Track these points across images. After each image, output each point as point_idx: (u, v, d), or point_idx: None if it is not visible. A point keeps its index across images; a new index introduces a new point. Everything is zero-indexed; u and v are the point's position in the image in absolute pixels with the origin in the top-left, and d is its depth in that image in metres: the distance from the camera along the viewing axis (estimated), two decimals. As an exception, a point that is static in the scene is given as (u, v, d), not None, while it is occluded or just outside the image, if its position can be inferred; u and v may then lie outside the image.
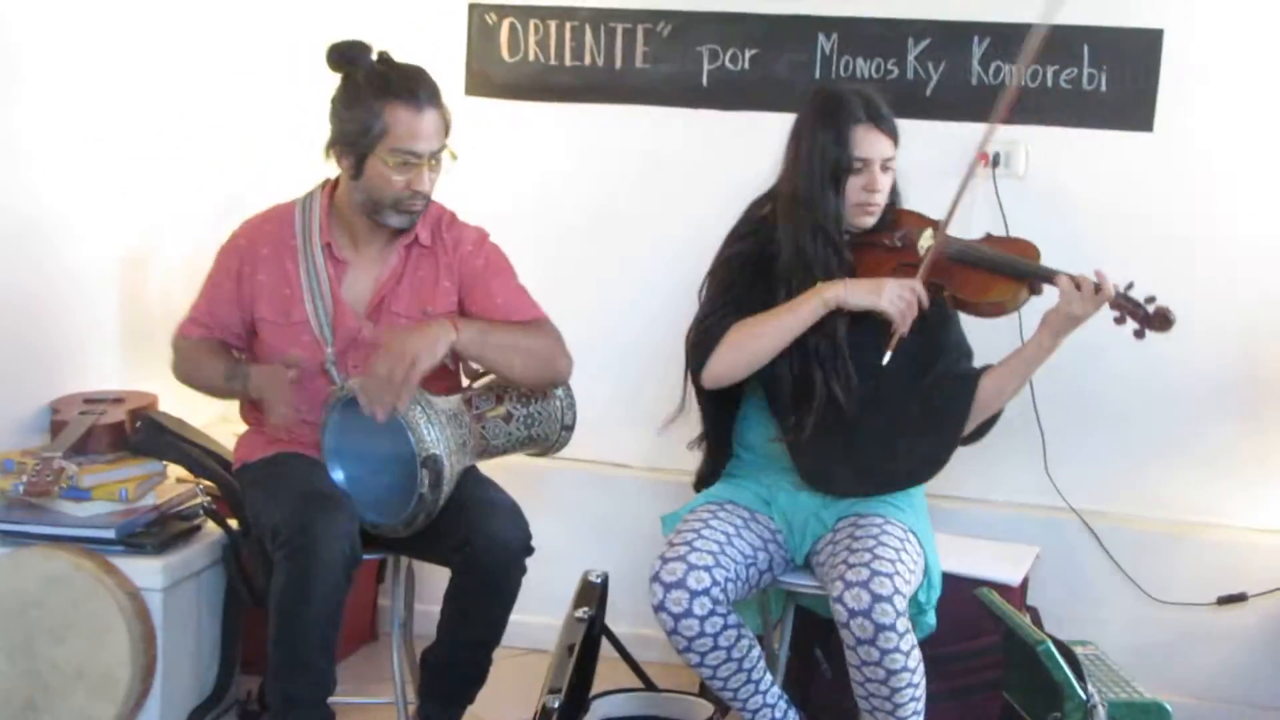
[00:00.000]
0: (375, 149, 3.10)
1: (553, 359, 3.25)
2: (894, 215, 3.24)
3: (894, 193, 3.26)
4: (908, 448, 3.14)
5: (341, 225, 3.26)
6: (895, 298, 3.05)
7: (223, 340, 3.33)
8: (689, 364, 3.24)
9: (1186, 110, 3.77)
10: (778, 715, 3.15)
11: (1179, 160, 3.79)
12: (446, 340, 3.06)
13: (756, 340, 3.13)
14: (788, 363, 3.13)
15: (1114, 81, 3.80)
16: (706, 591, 2.95)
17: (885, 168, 3.16)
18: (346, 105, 3.14)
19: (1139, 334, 3.04)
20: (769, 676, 3.14)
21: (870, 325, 3.11)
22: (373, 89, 3.10)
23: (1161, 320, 3.01)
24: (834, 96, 3.18)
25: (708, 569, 2.97)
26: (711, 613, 2.97)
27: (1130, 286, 3.05)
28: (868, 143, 3.13)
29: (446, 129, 3.17)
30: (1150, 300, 3.03)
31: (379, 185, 3.14)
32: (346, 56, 3.17)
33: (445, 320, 3.11)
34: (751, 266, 3.20)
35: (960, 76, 3.89)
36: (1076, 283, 3.03)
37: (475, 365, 3.34)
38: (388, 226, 3.21)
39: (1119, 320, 3.05)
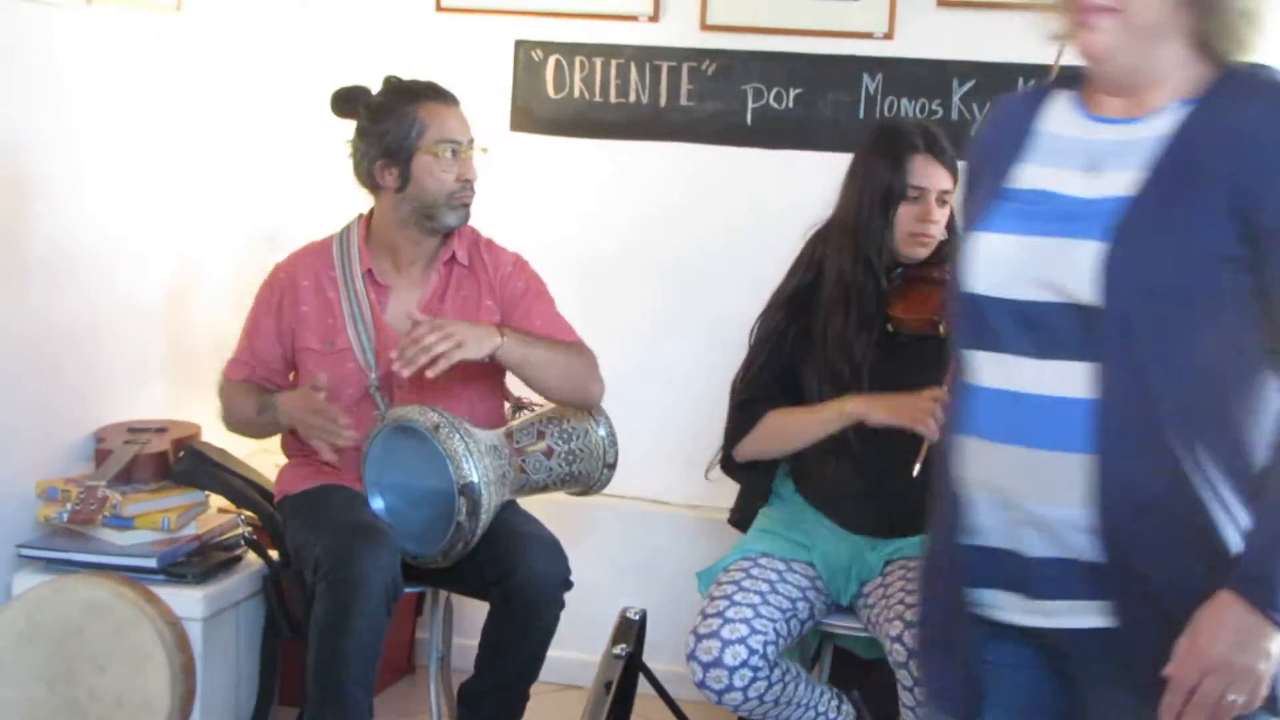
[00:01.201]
0: (419, 147, 3.18)
1: (587, 380, 3.28)
2: (950, 250, 3.21)
3: (952, 232, 3.22)
4: None
5: (381, 251, 3.29)
6: (915, 410, 2.96)
7: (258, 382, 3.35)
8: (726, 437, 3.24)
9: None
10: (830, 716, 3.15)
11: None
12: (492, 340, 3.09)
13: (782, 439, 3.18)
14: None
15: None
16: (745, 663, 2.94)
17: (942, 201, 3.14)
18: (376, 122, 3.21)
19: None
20: (817, 689, 3.13)
21: (903, 364, 3.09)
22: (399, 98, 3.22)
23: None
24: (894, 127, 3.21)
25: (743, 640, 2.95)
26: (753, 680, 2.96)
27: None
28: (925, 173, 3.11)
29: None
30: None
31: (430, 185, 3.20)
32: (349, 99, 3.28)
33: (491, 325, 3.16)
34: (799, 310, 3.19)
35: (1004, 117, 3.88)
36: None
37: (512, 391, 3.35)
38: (443, 230, 3.25)
39: None
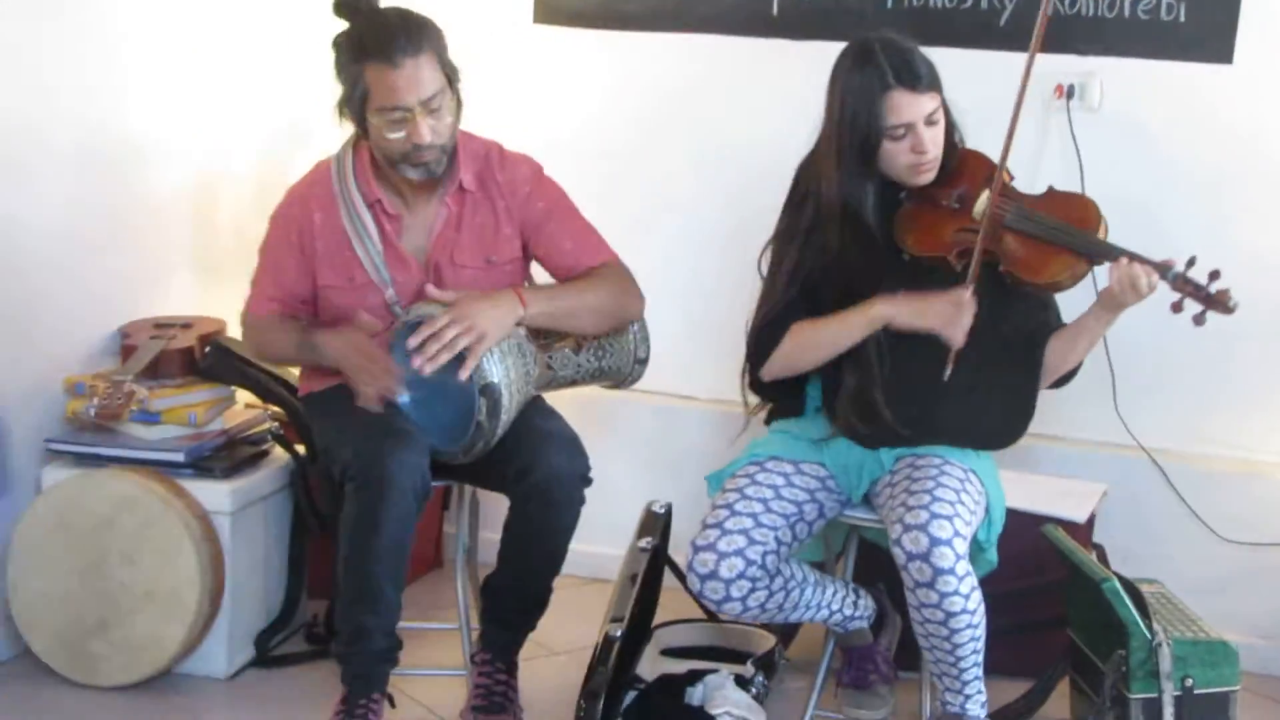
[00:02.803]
0: (366, 110, 3.08)
1: (622, 306, 3.26)
2: (959, 160, 3.10)
3: (953, 131, 3.10)
4: (990, 413, 3.08)
5: (386, 182, 3.21)
6: (941, 316, 2.94)
7: (291, 314, 3.30)
8: (748, 358, 3.19)
9: (1268, 41, 3.68)
10: (847, 613, 3.17)
11: (1259, 93, 3.71)
12: (514, 317, 3.08)
13: (810, 351, 3.10)
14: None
15: (1193, 12, 3.70)
16: (742, 574, 2.95)
17: (931, 122, 3.01)
18: (337, 71, 3.11)
19: (1198, 319, 2.88)
20: (830, 588, 3.14)
21: (935, 280, 3.05)
22: (350, 52, 3.07)
23: (1222, 305, 2.84)
24: (862, 55, 3.03)
25: (739, 552, 2.95)
26: (751, 590, 2.97)
27: (1192, 264, 2.88)
28: (905, 107, 2.98)
29: (442, 74, 3.08)
30: (1213, 278, 2.85)
31: (382, 144, 3.10)
32: (349, 5, 3.12)
33: (513, 295, 3.11)
34: (802, 238, 3.13)
35: (1035, 5, 3.78)
36: (1133, 268, 2.87)
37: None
38: (413, 181, 3.17)
39: (1176, 306, 2.89)
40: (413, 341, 3.02)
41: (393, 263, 3.21)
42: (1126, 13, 3.74)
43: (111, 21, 3.55)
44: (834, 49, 3.82)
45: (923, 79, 3.00)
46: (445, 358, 2.99)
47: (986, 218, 2.98)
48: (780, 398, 3.28)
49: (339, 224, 3.21)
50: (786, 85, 3.97)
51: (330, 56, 3.13)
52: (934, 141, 3.03)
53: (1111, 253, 2.94)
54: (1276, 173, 3.72)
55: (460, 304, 3.04)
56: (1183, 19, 3.72)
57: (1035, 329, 3.10)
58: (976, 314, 2.97)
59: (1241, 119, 3.73)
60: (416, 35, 3.05)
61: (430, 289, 3.12)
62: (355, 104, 3.08)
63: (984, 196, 3.01)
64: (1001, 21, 3.82)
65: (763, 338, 3.14)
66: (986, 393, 3.06)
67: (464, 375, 3.00)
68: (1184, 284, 2.88)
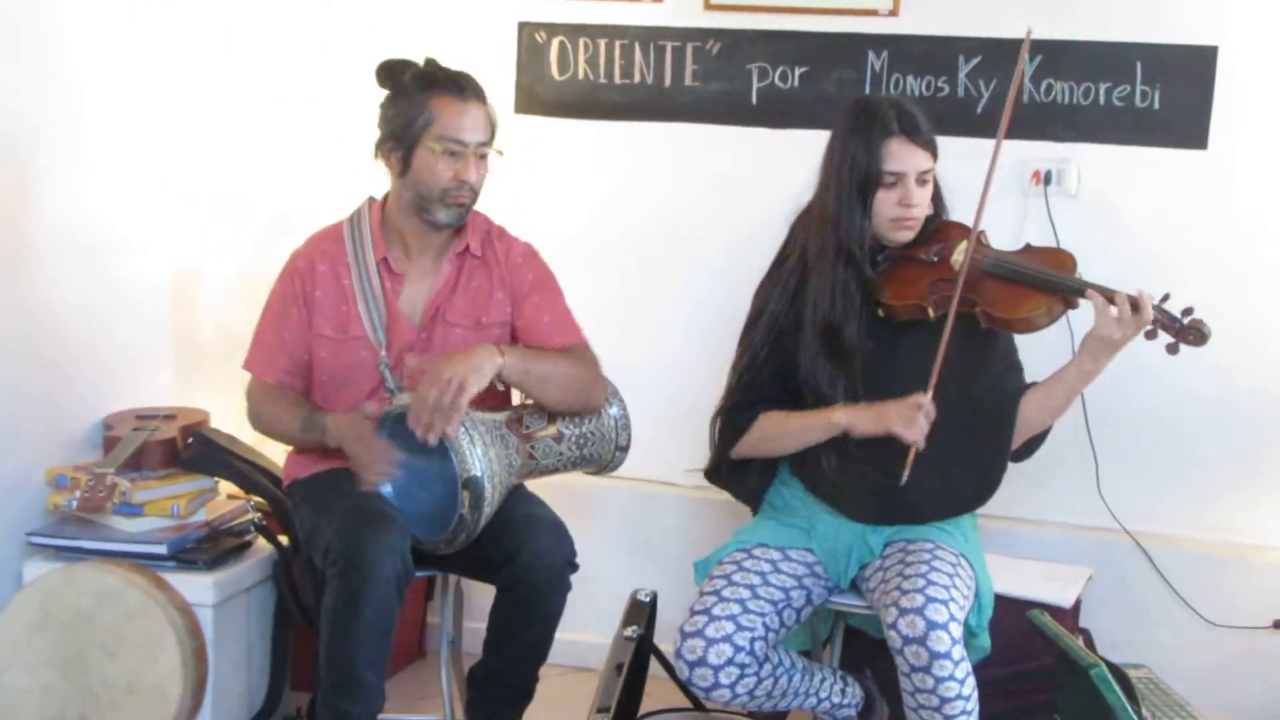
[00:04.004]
0: (422, 139, 3.14)
1: (589, 388, 3.27)
2: (936, 227, 3.17)
3: (939, 203, 3.21)
4: (959, 475, 3.11)
5: (394, 238, 3.28)
6: (900, 418, 2.97)
7: (294, 387, 3.32)
8: (717, 441, 3.24)
9: (1241, 128, 3.73)
10: (835, 700, 3.15)
11: (1234, 178, 3.76)
12: (493, 366, 3.09)
13: (775, 443, 3.18)
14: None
15: (1167, 99, 3.76)
16: (730, 661, 2.94)
17: (922, 181, 3.08)
18: (393, 103, 3.19)
19: (1172, 348, 2.96)
20: (818, 676, 3.12)
21: (904, 352, 3.07)
22: (418, 84, 3.17)
23: (1196, 335, 2.92)
24: (868, 108, 3.10)
25: (728, 638, 2.94)
26: (740, 677, 2.96)
27: (1166, 299, 2.96)
28: (901, 156, 3.05)
29: (493, 129, 3.22)
30: (1187, 312, 2.94)
31: (426, 178, 3.16)
32: (393, 72, 3.21)
33: (491, 345, 3.13)
34: (775, 306, 3.18)
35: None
36: (1110, 298, 2.94)
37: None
38: (438, 225, 3.22)
39: (1150, 335, 2.96)
40: (410, 419, 3.03)
41: (389, 323, 3.24)
42: (1102, 99, 3.79)
43: (91, 113, 3.57)
44: (811, 137, 3.88)
45: (923, 133, 3.06)
46: (440, 421, 2.99)
47: (964, 263, 3.02)
48: (736, 488, 3.32)
49: (342, 278, 3.26)
50: (765, 172, 4.02)
51: (386, 96, 3.21)
52: (921, 199, 3.08)
53: (1084, 288, 2.97)
54: (1253, 255, 3.76)
55: (432, 366, 3.06)
56: (1157, 105, 3.77)
57: (1006, 390, 3.12)
58: (950, 376, 3.00)
59: (1217, 203, 3.77)
60: (480, 88, 3.22)
61: (409, 359, 3.14)
62: (413, 133, 3.14)
63: (961, 246, 3.07)
64: (978, 109, 3.87)
65: (733, 420, 3.19)
66: (960, 458, 3.08)
67: (452, 431, 3.00)
68: (1160, 315, 2.94)
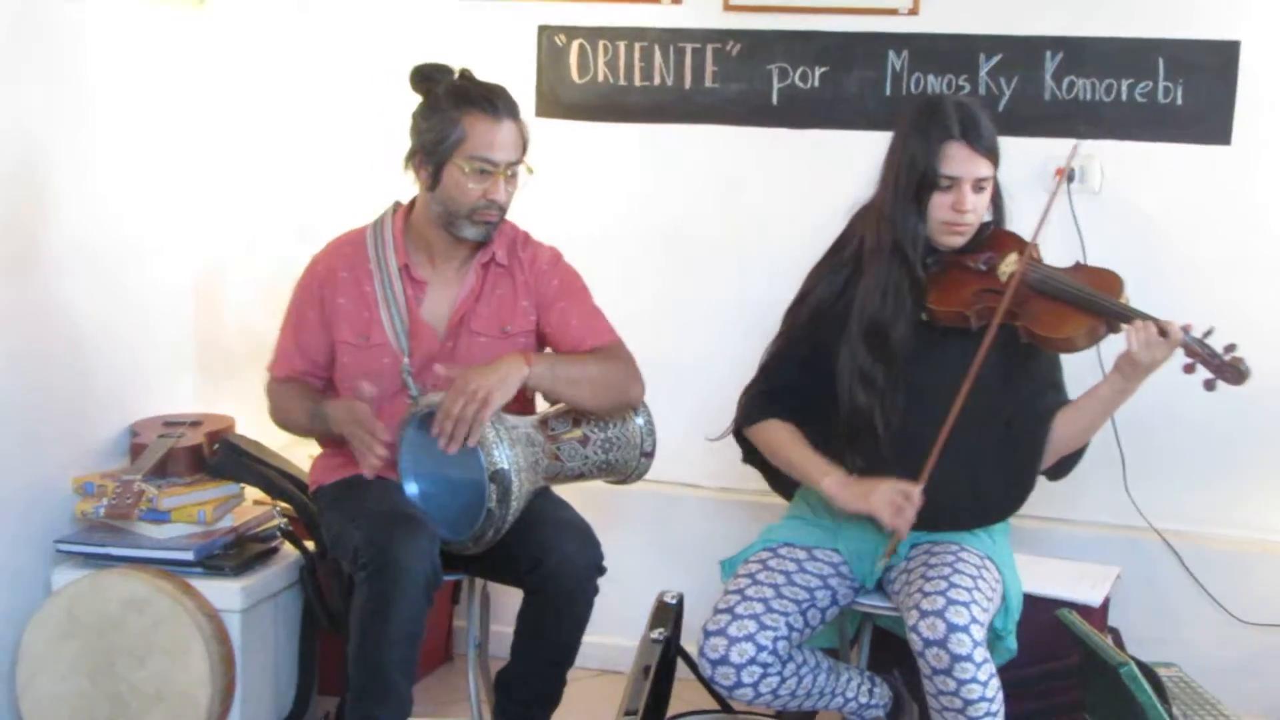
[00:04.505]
0: (452, 156, 3.14)
1: (624, 386, 3.26)
2: (991, 235, 3.14)
3: (999, 212, 3.17)
4: (987, 485, 3.09)
5: (418, 245, 3.28)
6: (885, 503, 2.97)
7: (308, 382, 3.33)
8: (736, 413, 3.26)
9: (1265, 123, 3.72)
10: (862, 700, 3.14)
11: (1257, 174, 3.74)
12: (519, 376, 3.08)
13: (770, 454, 3.22)
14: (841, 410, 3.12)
15: (1190, 94, 3.75)
16: (753, 660, 2.93)
17: (979, 188, 3.06)
18: (426, 116, 3.18)
19: (1209, 385, 2.92)
20: (844, 676, 3.11)
21: (940, 357, 3.07)
22: (452, 100, 3.15)
23: (1234, 373, 2.89)
24: (931, 107, 3.08)
25: (750, 638, 2.94)
26: (763, 676, 2.95)
27: (1209, 333, 2.93)
28: (958, 160, 3.03)
29: (524, 145, 3.21)
30: (1229, 349, 2.91)
31: (455, 195, 3.16)
32: (429, 77, 3.22)
33: (518, 355, 3.13)
34: (820, 298, 3.18)
35: (1033, 92, 3.86)
36: (1143, 325, 2.92)
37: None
38: (464, 240, 3.22)
39: (1189, 369, 2.94)
40: (434, 429, 3.03)
41: (412, 330, 3.24)
42: (1124, 96, 3.78)
43: (107, 120, 3.57)
44: (832, 136, 3.91)
45: (984, 140, 3.05)
46: (462, 431, 3.00)
47: (1014, 275, 3.00)
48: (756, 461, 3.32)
49: (364, 285, 3.26)
50: (787, 173, 4.02)
51: (419, 106, 3.20)
52: (975, 207, 3.07)
53: (1130, 315, 2.96)
54: (1277, 251, 3.74)
55: (459, 378, 3.06)
56: (1180, 102, 3.76)
57: (1042, 406, 3.10)
58: (986, 387, 2.99)
59: (1240, 199, 3.76)
60: (514, 104, 3.21)
61: (438, 368, 3.13)
62: (445, 149, 3.14)
63: (1011, 258, 3.05)
64: (1000, 107, 3.86)
65: (750, 405, 3.23)
66: (989, 469, 3.06)
67: (472, 441, 3.00)
68: (1199, 348, 2.92)
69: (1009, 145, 3.56)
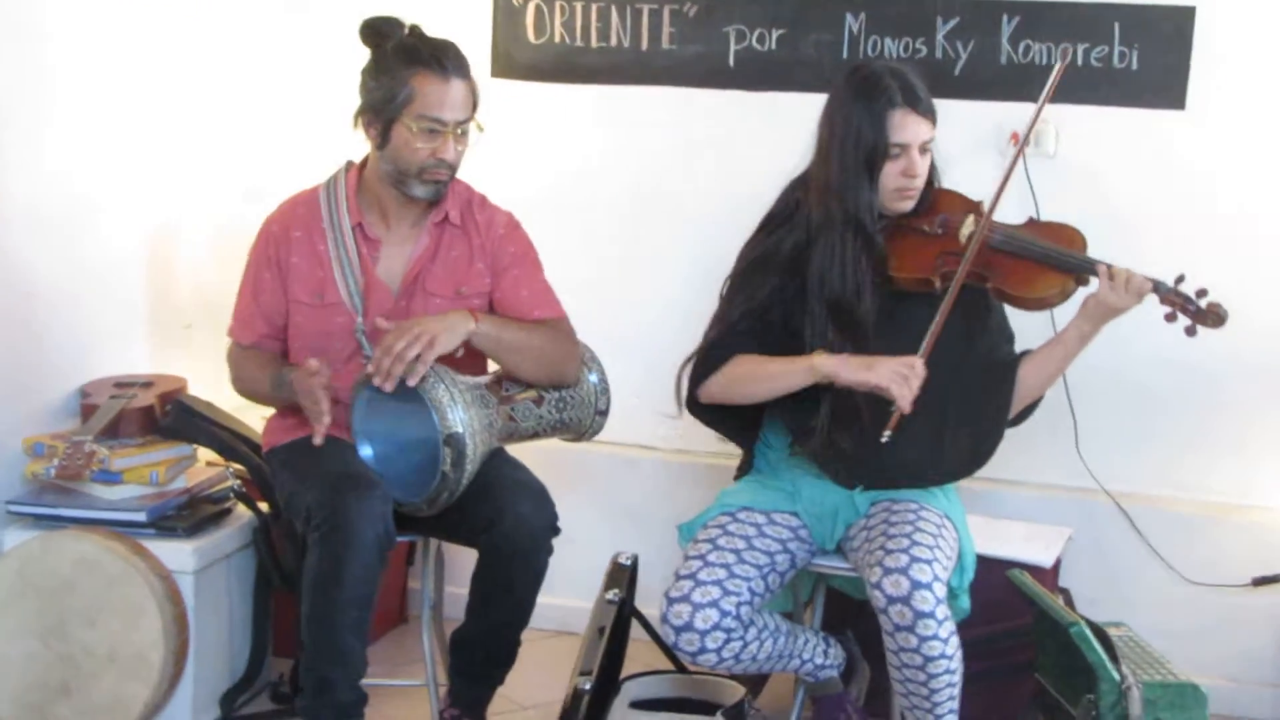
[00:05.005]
0: (401, 116, 3.11)
1: (562, 363, 3.26)
2: (933, 196, 3.16)
3: (932, 171, 3.18)
4: (952, 441, 3.11)
5: (371, 204, 3.26)
6: (892, 374, 2.93)
7: (270, 349, 3.31)
8: (688, 379, 3.21)
9: (1219, 88, 3.73)
10: (818, 661, 3.16)
11: (1212, 138, 3.76)
12: (465, 329, 3.08)
13: (747, 385, 3.13)
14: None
15: (1145, 59, 3.76)
16: (717, 625, 2.94)
17: (923, 150, 3.07)
18: (374, 74, 3.16)
19: (1190, 330, 2.98)
20: (801, 638, 3.12)
21: (903, 320, 3.06)
22: (401, 58, 3.13)
23: (1214, 317, 2.94)
24: (869, 78, 3.06)
25: (714, 603, 2.94)
26: (726, 641, 2.96)
27: (1180, 280, 2.96)
28: (906, 127, 3.03)
29: (475, 102, 3.18)
30: (1201, 294, 2.95)
31: (404, 154, 3.14)
32: (378, 30, 3.19)
33: (466, 310, 3.13)
34: (776, 266, 3.14)
35: (990, 56, 3.86)
36: (1112, 274, 2.97)
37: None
38: (415, 199, 3.20)
39: (1170, 317, 2.98)
40: (369, 367, 3.02)
41: (366, 289, 3.22)
42: (1080, 60, 3.79)
43: (62, 78, 3.53)
44: (788, 99, 3.90)
45: (923, 102, 3.06)
46: (399, 369, 2.98)
47: (975, 237, 3.01)
48: (716, 424, 3.30)
49: (318, 244, 3.24)
50: (744, 135, 4.01)
51: (367, 62, 3.17)
52: (923, 169, 3.08)
53: (1094, 266, 3.00)
54: (1232, 216, 3.77)
55: (406, 322, 3.06)
56: (1135, 66, 3.77)
57: (1003, 358, 3.12)
58: (948, 345, 3.00)
59: (1195, 163, 3.78)
60: (464, 61, 3.18)
61: (379, 321, 3.11)
62: (393, 108, 3.11)
63: (969, 220, 3.06)
64: (956, 71, 3.87)
65: (707, 358, 3.17)
66: (955, 425, 3.08)
67: (411, 382, 2.99)
68: (1175, 297, 2.96)
69: (965, 109, 3.59)
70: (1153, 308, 3.01)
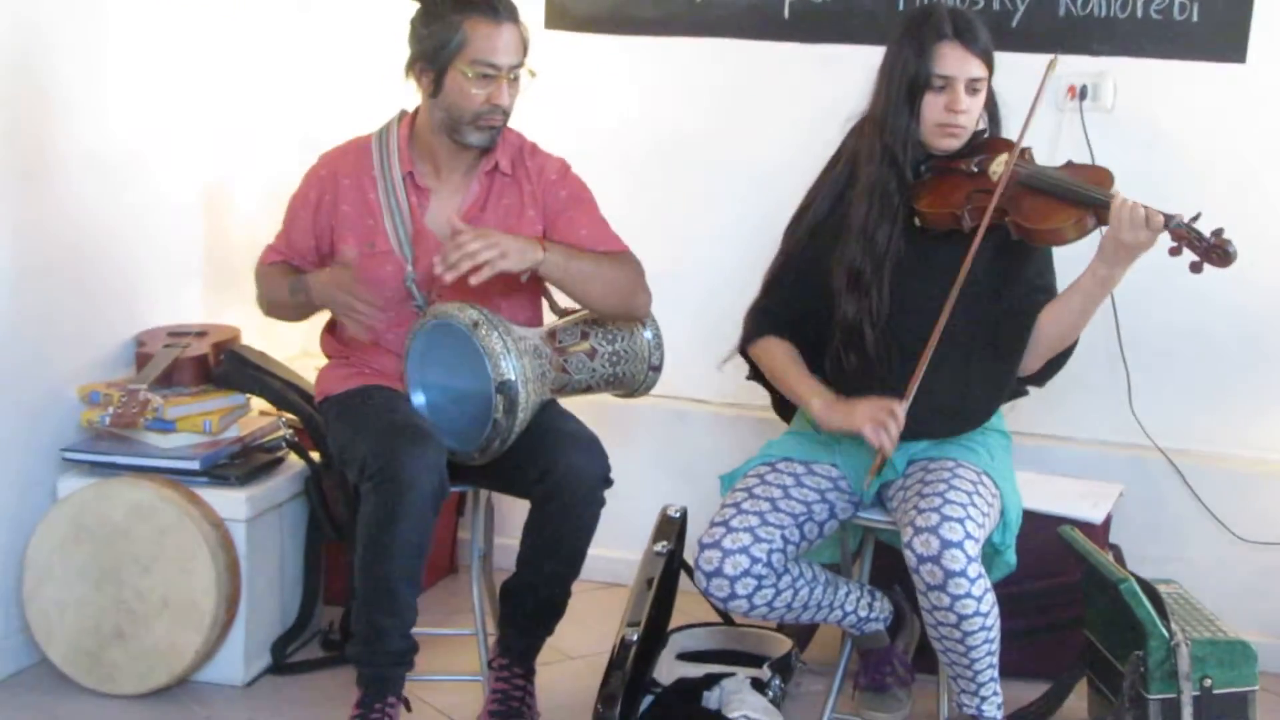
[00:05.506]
0: (454, 62, 3.10)
1: (632, 292, 3.25)
2: (985, 141, 3.12)
3: (994, 121, 3.15)
4: (974, 392, 3.09)
5: (423, 153, 3.26)
6: (869, 421, 2.94)
7: (291, 262, 3.34)
8: (742, 331, 3.24)
9: (1281, 40, 3.68)
10: (861, 614, 3.16)
11: (1272, 91, 3.70)
12: (535, 254, 3.08)
13: (772, 376, 3.21)
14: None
15: (1206, 11, 3.70)
16: (747, 572, 2.94)
17: (973, 90, 3.03)
18: (425, 23, 3.14)
19: (1195, 267, 2.84)
20: (843, 589, 3.12)
21: (936, 263, 3.04)
22: (451, 4, 3.12)
23: (1220, 255, 2.80)
24: (924, 10, 3.06)
25: (744, 550, 2.94)
26: (757, 589, 2.96)
27: (1197, 218, 2.86)
28: (952, 60, 3.00)
29: (525, 48, 3.17)
30: (1217, 233, 2.83)
31: (458, 100, 3.13)
32: None
33: (535, 238, 3.13)
34: (833, 204, 3.14)
35: (1048, 7, 3.81)
36: (1121, 205, 2.86)
37: (559, 302, 3.35)
38: (468, 146, 3.20)
39: (1174, 251, 2.86)
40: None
41: (415, 238, 3.23)
42: (1139, 13, 3.74)
43: (113, 27, 3.55)
44: (844, 51, 3.87)
45: (978, 41, 3.02)
46: (466, 265, 2.99)
47: (1005, 174, 2.98)
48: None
49: (368, 192, 3.24)
50: (798, 87, 3.99)
51: (415, 11, 3.16)
52: (970, 108, 3.04)
53: (1107, 199, 2.91)
54: (1289, 172, 3.72)
55: (485, 229, 3.07)
56: (1195, 19, 3.71)
57: (1029, 307, 3.08)
58: (977, 291, 2.98)
59: (1255, 117, 3.73)
60: (513, 6, 3.17)
61: (454, 220, 3.11)
62: (446, 55, 3.11)
63: (1001, 158, 3.03)
64: (1014, 23, 3.82)
65: (750, 321, 3.22)
66: (979, 374, 3.07)
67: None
68: (1185, 231, 2.84)
69: (1022, 61, 3.53)
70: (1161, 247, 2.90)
